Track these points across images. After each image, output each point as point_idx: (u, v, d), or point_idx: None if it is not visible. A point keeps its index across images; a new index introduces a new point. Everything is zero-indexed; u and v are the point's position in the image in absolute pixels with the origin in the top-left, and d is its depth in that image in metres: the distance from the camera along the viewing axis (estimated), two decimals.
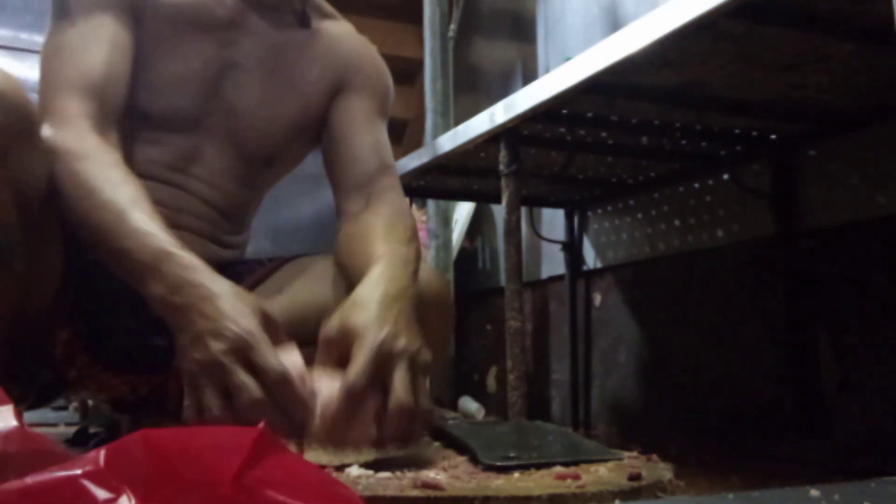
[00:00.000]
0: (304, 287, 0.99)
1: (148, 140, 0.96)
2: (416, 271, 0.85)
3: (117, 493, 0.43)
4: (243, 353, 0.66)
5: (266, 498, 0.49)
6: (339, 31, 1.08)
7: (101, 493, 0.43)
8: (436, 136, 2.17)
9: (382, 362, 0.68)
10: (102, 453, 0.45)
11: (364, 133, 1.04)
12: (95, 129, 0.85)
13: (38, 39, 1.80)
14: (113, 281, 0.79)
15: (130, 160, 0.91)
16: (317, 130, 1.07)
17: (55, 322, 0.90)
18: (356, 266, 0.85)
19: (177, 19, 0.95)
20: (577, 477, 0.67)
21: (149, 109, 0.96)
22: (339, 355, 0.70)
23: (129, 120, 0.93)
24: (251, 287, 0.99)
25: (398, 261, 0.83)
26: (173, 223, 0.90)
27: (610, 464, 0.76)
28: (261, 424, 0.51)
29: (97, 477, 0.44)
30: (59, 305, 0.88)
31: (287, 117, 1.03)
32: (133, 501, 0.43)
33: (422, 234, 2.58)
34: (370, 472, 0.68)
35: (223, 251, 1.04)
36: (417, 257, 0.89)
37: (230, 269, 1.00)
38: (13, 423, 0.47)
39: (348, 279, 0.89)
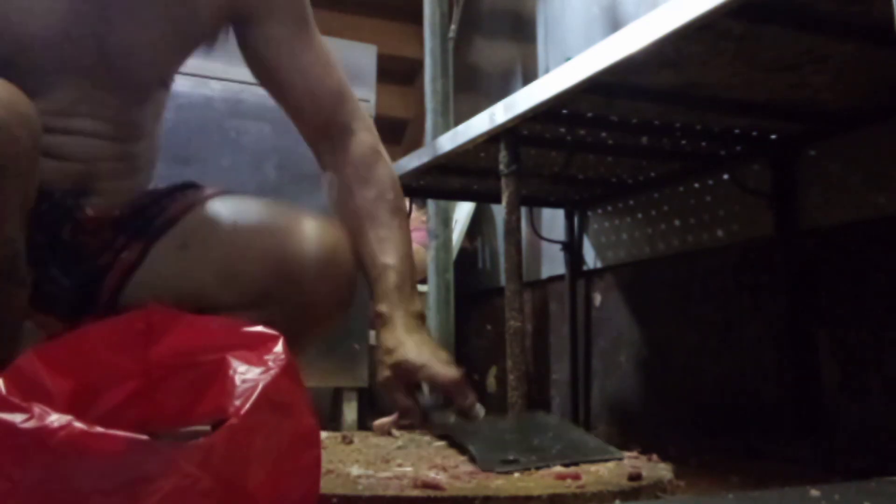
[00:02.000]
0: (237, 238, 0.92)
1: (30, 90, 0.83)
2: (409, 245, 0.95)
3: (28, 411, 0.42)
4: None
5: (186, 364, 0.49)
6: None
7: (14, 417, 0.42)
8: (436, 136, 2.17)
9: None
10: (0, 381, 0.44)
11: (296, 68, 0.97)
12: None
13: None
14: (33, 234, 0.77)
15: None
16: (207, 43, 0.98)
17: None
18: (363, 253, 0.93)
19: None
20: (577, 477, 0.67)
21: (15, 59, 0.85)
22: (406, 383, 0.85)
23: (4, 72, 0.83)
24: (167, 223, 0.93)
25: (407, 273, 0.91)
26: (93, 176, 0.89)
27: (610, 464, 0.76)
28: (148, 304, 0.51)
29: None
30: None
31: (168, 36, 0.93)
32: (45, 412, 0.42)
33: (422, 234, 2.58)
34: (370, 473, 0.69)
35: (142, 182, 0.99)
36: (407, 226, 0.96)
37: (151, 202, 0.95)
38: None
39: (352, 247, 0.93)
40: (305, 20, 0.99)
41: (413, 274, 0.93)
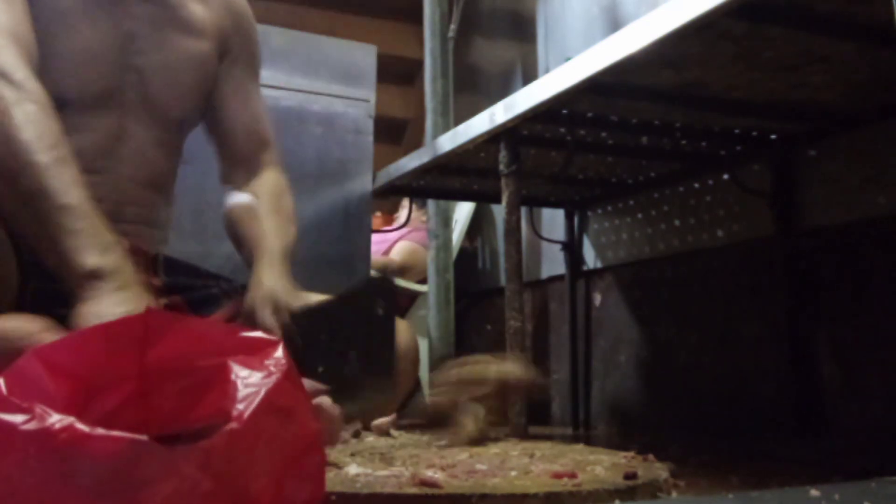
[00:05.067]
0: None
1: (70, 128, 0.90)
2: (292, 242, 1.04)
3: (29, 411, 0.42)
4: None
5: (184, 368, 0.49)
6: None
7: (15, 418, 0.42)
8: (436, 136, 2.16)
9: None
10: (1, 381, 0.44)
11: (244, 107, 1.12)
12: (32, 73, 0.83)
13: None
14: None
15: None
16: (211, 84, 1.10)
17: None
18: (248, 236, 1.03)
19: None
20: (573, 475, 0.67)
21: (64, 94, 0.91)
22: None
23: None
24: (234, 313, 1.00)
25: (285, 251, 1.00)
26: (117, 218, 0.91)
27: (606, 463, 0.76)
28: (144, 307, 0.52)
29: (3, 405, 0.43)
30: (22, 308, 0.88)
31: (190, 72, 1.05)
32: (47, 413, 0.42)
33: (422, 234, 2.58)
34: (369, 471, 0.69)
35: (160, 233, 1.06)
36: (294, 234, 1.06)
37: (204, 288, 1.04)
38: None
39: (239, 241, 1.05)
40: (258, 73, 1.16)
41: (287, 254, 1.00)
